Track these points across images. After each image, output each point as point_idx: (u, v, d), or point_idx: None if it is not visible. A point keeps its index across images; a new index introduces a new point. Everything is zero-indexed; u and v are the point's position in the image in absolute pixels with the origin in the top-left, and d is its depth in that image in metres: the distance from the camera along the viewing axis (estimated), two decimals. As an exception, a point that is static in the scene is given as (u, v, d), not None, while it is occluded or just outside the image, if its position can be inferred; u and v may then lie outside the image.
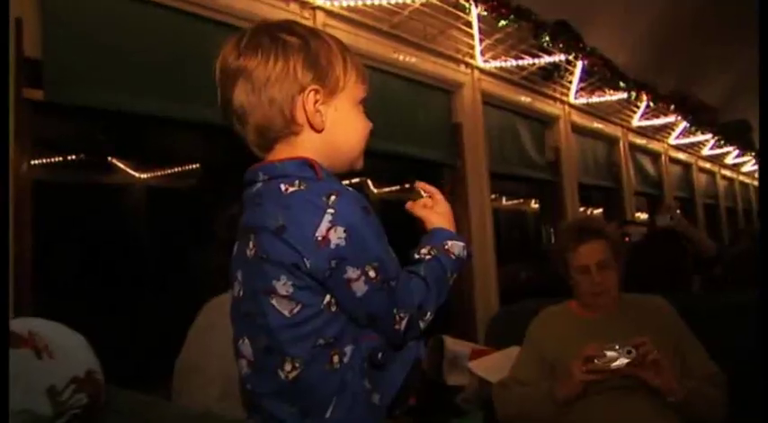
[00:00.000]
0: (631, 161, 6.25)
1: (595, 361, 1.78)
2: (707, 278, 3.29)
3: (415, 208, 1.18)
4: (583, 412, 1.88)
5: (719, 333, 2.09)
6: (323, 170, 1.02)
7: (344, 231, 0.93)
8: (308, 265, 0.93)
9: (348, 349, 0.98)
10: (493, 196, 4.48)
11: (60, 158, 4.60)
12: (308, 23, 2.69)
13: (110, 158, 5.28)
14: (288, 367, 0.96)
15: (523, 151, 4.50)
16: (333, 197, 0.94)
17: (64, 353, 1.05)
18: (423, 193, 1.20)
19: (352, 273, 0.94)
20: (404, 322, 0.99)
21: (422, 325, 1.03)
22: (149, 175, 5.76)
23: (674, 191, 7.40)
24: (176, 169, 5.80)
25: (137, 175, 5.68)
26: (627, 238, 4.53)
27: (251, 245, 0.99)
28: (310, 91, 1.00)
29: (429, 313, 1.03)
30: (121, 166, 5.59)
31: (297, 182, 0.98)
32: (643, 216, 6.60)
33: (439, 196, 1.19)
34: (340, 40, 1.08)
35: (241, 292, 1.03)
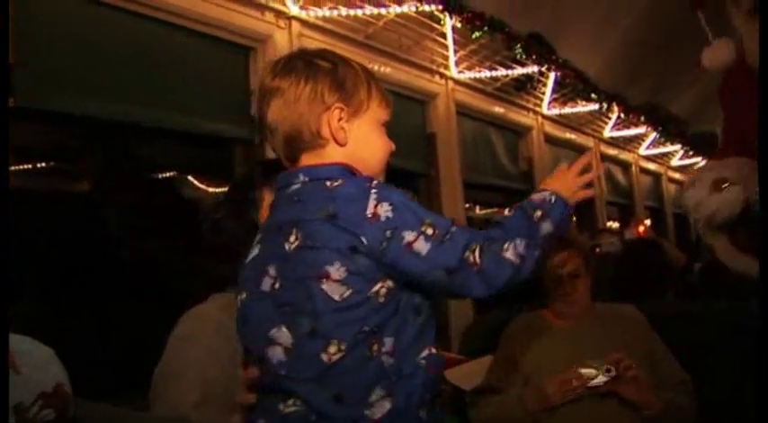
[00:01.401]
0: (603, 171, 6.34)
1: (573, 382, 1.80)
2: (677, 288, 3.34)
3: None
4: (556, 419, 1.89)
5: (690, 341, 2.13)
6: (361, 175, 1.12)
7: (389, 205, 1.02)
8: (366, 242, 1.01)
9: (388, 340, 1.03)
10: (467, 205, 4.50)
11: (30, 166, 4.52)
12: (284, 33, 2.69)
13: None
14: (332, 349, 1.01)
15: (497, 161, 4.54)
16: (373, 182, 1.06)
17: (32, 368, 1.03)
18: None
19: (409, 236, 1.01)
20: (477, 257, 1.02)
21: (508, 255, 1.03)
22: (123, 184, 5.68)
23: (645, 200, 7.51)
24: (152, 177, 5.73)
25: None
26: (597, 249, 4.59)
27: (292, 238, 1.06)
28: (335, 109, 1.12)
29: (507, 243, 1.04)
30: (93, 173, 5.50)
31: (340, 180, 1.07)
32: (615, 225, 6.69)
33: (558, 171, 1.23)
34: (369, 69, 1.19)
35: (277, 285, 1.08)
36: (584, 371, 1.80)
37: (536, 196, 1.13)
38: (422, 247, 1.01)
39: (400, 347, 1.04)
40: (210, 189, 6.19)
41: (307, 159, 1.14)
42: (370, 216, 1.01)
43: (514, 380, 2.06)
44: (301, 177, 1.12)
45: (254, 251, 1.16)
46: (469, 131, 4.18)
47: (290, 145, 1.13)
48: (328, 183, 1.07)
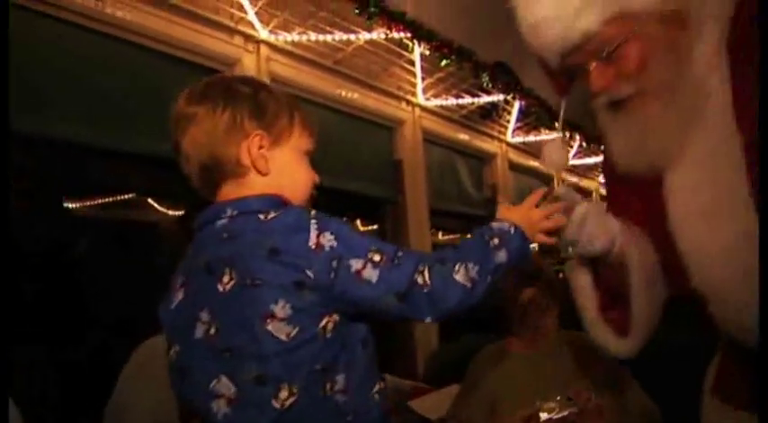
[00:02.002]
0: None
1: (541, 416, 1.79)
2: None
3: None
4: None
5: (654, 368, 2.14)
6: (290, 203, 1.08)
7: (331, 234, 0.98)
8: (312, 275, 0.96)
9: (340, 378, 0.99)
10: (431, 231, 4.51)
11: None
12: (253, 57, 2.68)
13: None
14: (284, 395, 0.95)
15: (462, 188, 4.57)
16: (312, 212, 1.01)
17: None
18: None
19: (356, 263, 0.97)
20: (426, 278, 0.98)
21: (458, 278, 1.00)
22: (79, 205, 5.56)
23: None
24: (109, 199, 5.62)
25: (66, 204, 5.46)
26: (560, 274, 4.63)
27: (226, 278, 0.99)
28: (255, 136, 1.07)
29: (457, 266, 1.01)
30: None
31: (272, 212, 1.02)
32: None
33: (527, 201, 1.21)
34: (293, 96, 1.15)
35: (213, 330, 1.01)
36: (545, 405, 1.81)
37: (496, 224, 1.11)
38: (371, 274, 0.98)
39: (352, 384, 1.00)
40: (170, 212, 6.09)
41: (227, 189, 1.08)
42: (313, 247, 0.97)
43: (480, 409, 2.05)
44: (229, 211, 1.05)
45: (178, 296, 1.08)
46: (435, 158, 4.20)
47: (207, 174, 1.08)
48: (261, 216, 1.02)
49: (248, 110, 1.07)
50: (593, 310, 1.29)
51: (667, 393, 2.03)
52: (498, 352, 2.18)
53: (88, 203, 5.56)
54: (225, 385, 0.99)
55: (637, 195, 1.24)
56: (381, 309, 1.00)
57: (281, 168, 1.09)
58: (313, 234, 0.97)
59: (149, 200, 5.93)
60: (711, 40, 1.07)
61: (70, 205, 5.47)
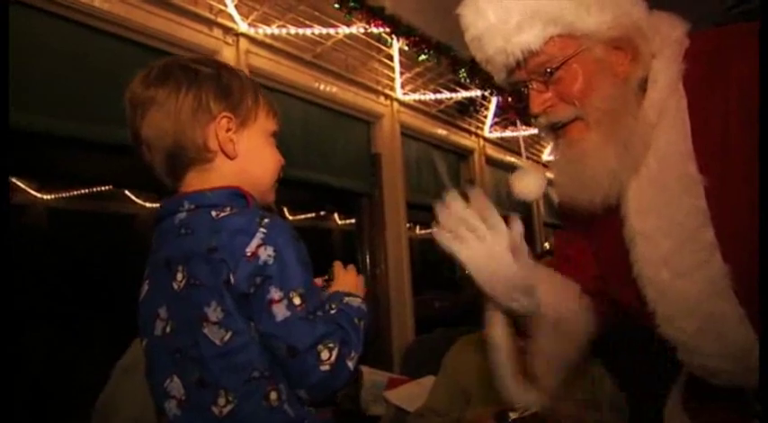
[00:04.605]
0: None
1: (510, 414, 1.82)
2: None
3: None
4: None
5: (626, 359, 2.19)
6: (253, 199, 1.03)
7: (274, 250, 0.94)
8: (233, 280, 0.92)
9: (283, 386, 0.95)
10: (408, 225, 4.54)
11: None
12: (232, 49, 2.67)
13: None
14: (221, 402, 0.92)
15: (439, 182, 4.60)
16: (265, 220, 0.96)
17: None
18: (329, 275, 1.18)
19: (274, 293, 0.93)
20: (333, 357, 0.94)
21: (350, 364, 0.97)
22: (53, 196, 5.52)
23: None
24: (83, 191, 5.58)
25: (39, 195, 5.42)
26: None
27: (179, 276, 0.96)
28: (222, 118, 1.03)
29: (353, 352, 0.98)
30: (22, 185, 5.32)
31: (228, 209, 0.98)
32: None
33: (337, 271, 1.17)
34: (251, 77, 1.12)
35: (168, 329, 0.98)
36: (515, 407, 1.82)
37: (354, 304, 1.07)
38: (281, 311, 0.92)
39: (293, 394, 0.96)
40: (147, 204, 6.06)
41: (193, 177, 1.04)
42: (248, 254, 0.92)
43: (456, 400, 2.09)
44: (186, 205, 1.01)
45: (144, 289, 1.05)
46: (413, 153, 4.23)
47: (173, 161, 1.03)
48: (214, 213, 0.97)
49: (213, 91, 1.02)
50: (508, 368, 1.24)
51: (634, 382, 2.08)
52: (474, 343, 2.22)
53: (64, 195, 5.54)
54: (176, 386, 0.96)
55: (584, 230, 1.23)
56: (270, 346, 0.94)
57: (248, 152, 1.06)
58: (255, 241, 0.93)
59: (126, 192, 5.91)
60: (664, 75, 1.05)
61: (46, 196, 5.44)
